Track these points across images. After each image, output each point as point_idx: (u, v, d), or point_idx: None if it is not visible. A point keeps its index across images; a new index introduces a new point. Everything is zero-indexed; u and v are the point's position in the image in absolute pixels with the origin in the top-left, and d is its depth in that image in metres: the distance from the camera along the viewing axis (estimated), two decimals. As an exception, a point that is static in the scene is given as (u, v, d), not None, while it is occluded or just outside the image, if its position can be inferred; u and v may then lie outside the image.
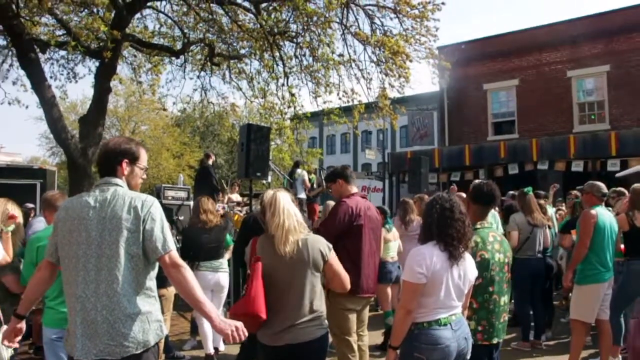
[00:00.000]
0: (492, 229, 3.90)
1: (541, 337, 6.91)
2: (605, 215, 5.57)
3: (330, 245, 3.33)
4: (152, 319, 2.72)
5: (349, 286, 3.43)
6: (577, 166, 15.12)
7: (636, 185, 6.09)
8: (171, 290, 6.01)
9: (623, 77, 17.74)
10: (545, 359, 6.38)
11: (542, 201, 7.79)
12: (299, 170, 12.48)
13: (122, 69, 13.83)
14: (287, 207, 3.20)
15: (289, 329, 3.13)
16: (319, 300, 3.25)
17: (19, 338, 3.05)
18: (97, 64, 10.27)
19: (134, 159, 2.91)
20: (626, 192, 6.70)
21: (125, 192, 2.77)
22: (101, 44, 8.54)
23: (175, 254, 2.71)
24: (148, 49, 11.72)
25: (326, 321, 3.31)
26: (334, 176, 4.99)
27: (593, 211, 5.49)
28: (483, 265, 3.56)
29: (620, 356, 5.99)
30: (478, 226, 3.78)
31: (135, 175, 2.93)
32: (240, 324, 2.72)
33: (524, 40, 19.46)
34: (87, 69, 11.52)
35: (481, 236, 3.70)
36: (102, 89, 9.85)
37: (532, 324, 6.88)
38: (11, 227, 4.30)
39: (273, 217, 3.19)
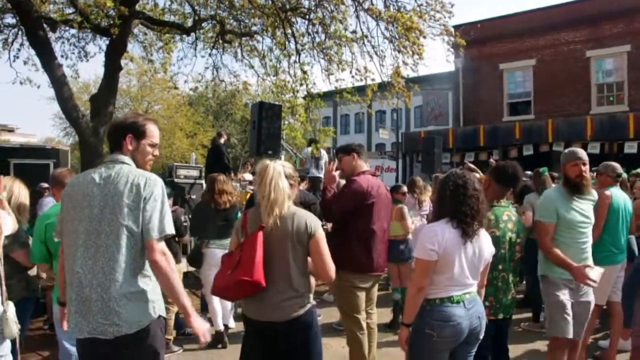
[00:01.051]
0: (508, 208, 3.95)
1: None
2: (619, 197, 5.46)
3: (319, 223, 3.17)
4: (148, 298, 2.68)
5: (333, 275, 3.19)
6: (594, 148, 14.90)
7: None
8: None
9: (643, 57, 17.39)
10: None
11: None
12: (307, 149, 12.43)
13: (134, 48, 13.79)
14: (275, 179, 3.08)
15: (270, 305, 3.05)
16: (302, 278, 3.11)
17: None
18: (107, 42, 10.19)
19: (139, 134, 2.85)
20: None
21: (130, 170, 2.74)
22: (111, 21, 8.45)
23: (163, 244, 2.69)
24: (158, 27, 11.60)
25: (310, 300, 3.17)
26: (349, 149, 4.87)
27: (608, 192, 5.38)
28: (494, 242, 3.55)
29: (630, 339, 5.93)
30: (494, 204, 3.84)
31: (142, 151, 2.87)
32: (208, 333, 2.80)
33: (542, 19, 19.11)
34: (98, 47, 11.44)
35: (495, 214, 3.78)
36: (112, 67, 9.79)
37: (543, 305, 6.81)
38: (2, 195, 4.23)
39: (259, 187, 3.10)
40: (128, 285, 2.61)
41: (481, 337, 3.23)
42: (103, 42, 11.43)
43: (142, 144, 2.86)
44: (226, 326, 6.32)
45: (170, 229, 2.71)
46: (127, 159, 2.80)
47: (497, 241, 3.62)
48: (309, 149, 12.31)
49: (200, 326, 2.77)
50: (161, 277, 2.67)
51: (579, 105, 18.32)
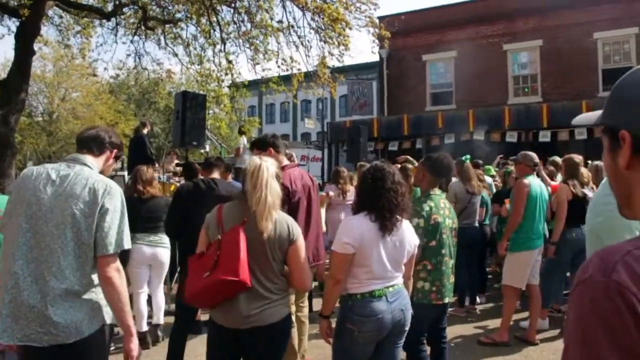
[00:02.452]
0: (441, 196, 4.09)
1: (475, 303, 7.13)
2: (536, 185, 5.72)
3: (300, 230, 3.04)
4: (92, 307, 2.53)
5: (309, 285, 3.13)
6: (511, 137, 15.52)
7: (569, 155, 6.31)
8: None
9: (554, 52, 18.27)
10: (479, 323, 6.56)
11: (479, 170, 7.96)
12: (242, 139, 12.31)
13: (49, 31, 13.10)
14: (269, 181, 2.92)
15: (251, 310, 2.87)
16: (282, 282, 2.98)
17: None
18: (17, 23, 9.60)
19: (119, 156, 2.92)
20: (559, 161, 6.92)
21: (91, 173, 2.60)
22: (21, 0, 7.95)
23: (117, 260, 2.58)
24: (76, 10, 11.08)
25: (287, 304, 3.09)
26: (265, 144, 4.49)
27: (526, 180, 5.63)
28: (436, 229, 3.78)
29: (547, 318, 6.27)
30: (431, 193, 3.98)
31: (110, 166, 2.88)
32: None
33: (462, 12, 19.69)
34: (7, 28, 10.76)
35: (435, 202, 3.91)
36: (24, 51, 9.24)
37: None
38: None
39: (254, 190, 2.88)
40: (70, 294, 2.45)
41: (406, 329, 3.25)
42: (13, 23, 10.78)
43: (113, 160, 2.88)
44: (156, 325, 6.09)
45: (128, 243, 2.61)
46: (90, 161, 2.67)
47: (439, 227, 3.81)
48: (243, 138, 12.18)
49: (135, 350, 2.64)
50: (112, 294, 2.53)
51: (497, 96, 19.02)
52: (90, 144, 2.74)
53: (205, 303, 3.07)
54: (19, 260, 2.44)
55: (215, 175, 5.08)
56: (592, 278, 0.85)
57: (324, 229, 6.91)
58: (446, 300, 3.94)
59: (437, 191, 4.03)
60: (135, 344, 2.63)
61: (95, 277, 2.56)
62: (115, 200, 2.56)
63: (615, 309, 0.80)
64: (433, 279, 3.81)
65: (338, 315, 3.22)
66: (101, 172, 2.75)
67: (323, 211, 7.07)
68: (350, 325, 3.09)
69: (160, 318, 6.04)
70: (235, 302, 2.86)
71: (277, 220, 2.93)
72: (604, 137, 1.03)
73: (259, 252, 2.86)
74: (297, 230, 2.99)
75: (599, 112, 1.07)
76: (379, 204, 3.11)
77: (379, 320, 3.07)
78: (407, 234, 3.24)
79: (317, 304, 6.94)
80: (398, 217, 3.14)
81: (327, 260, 5.12)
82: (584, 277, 0.86)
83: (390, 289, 3.14)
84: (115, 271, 2.53)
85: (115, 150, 2.83)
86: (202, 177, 5.11)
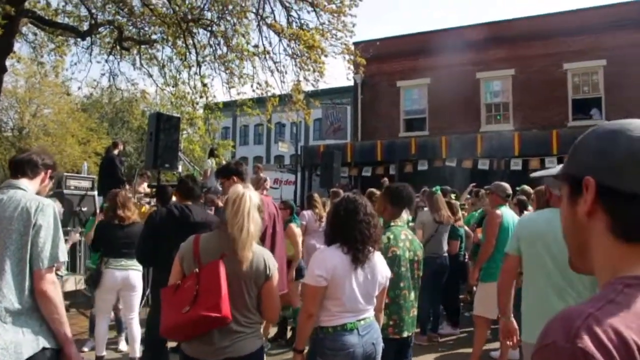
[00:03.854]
0: (404, 227, 4.04)
1: (437, 331, 7.12)
2: (508, 215, 5.78)
3: (276, 264, 3.03)
4: (32, 329, 2.52)
5: (277, 317, 3.16)
6: (484, 164, 15.69)
7: (540, 187, 6.38)
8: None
9: (525, 81, 18.65)
10: (450, 352, 6.56)
11: (452, 198, 8.03)
12: (209, 161, 12.22)
13: (22, 47, 12.95)
14: (252, 212, 2.86)
15: (226, 341, 2.83)
16: (256, 314, 2.95)
17: None
18: (-11, 39, 9.46)
19: (53, 176, 3.01)
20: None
21: (24, 195, 2.65)
22: (-6, 17, 7.82)
23: (52, 273, 2.60)
24: (51, 28, 10.96)
25: (261, 335, 3.07)
26: (228, 172, 4.46)
27: (498, 211, 5.68)
28: (394, 261, 3.65)
29: (518, 348, 6.27)
30: (392, 224, 3.89)
31: (46, 185, 2.94)
32: None
33: (436, 40, 19.99)
34: (-22, 43, 10.56)
35: (394, 233, 3.82)
36: (-4, 68, 9.12)
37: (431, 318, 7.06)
38: None
39: (235, 218, 2.81)
40: (10, 313, 2.45)
41: None
42: (-16, 39, 10.62)
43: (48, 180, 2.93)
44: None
45: (63, 256, 2.63)
46: (25, 184, 2.73)
47: (397, 260, 3.69)
48: (211, 160, 12.10)
49: (75, 356, 2.64)
50: (47, 307, 2.55)
51: (469, 123, 19.27)
52: (24, 167, 2.82)
53: (181, 337, 2.99)
54: None
55: (189, 201, 4.90)
56: (556, 344, 0.81)
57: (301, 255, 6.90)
58: (405, 334, 3.81)
59: (398, 222, 3.98)
60: (75, 351, 2.64)
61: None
62: (47, 217, 2.60)
63: None
64: (390, 312, 3.69)
65: (309, 348, 3.19)
66: (38, 193, 2.84)
67: (300, 240, 7.04)
68: (321, 359, 3.06)
69: (136, 350, 5.85)
70: (208, 335, 2.82)
71: (254, 253, 2.89)
72: (564, 186, 1.04)
73: (234, 287, 2.82)
74: (273, 265, 2.97)
75: (559, 167, 1.09)
76: (351, 235, 3.09)
77: (350, 354, 3.04)
78: (379, 266, 3.23)
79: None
80: (370, 248, 3.13)
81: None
82: (545, 342, 0.83)
83: (362, 322, 3.12)
84: (50, 284, 2.56)
85: (49, 171, 2.91)
86: (175, 203, 4.96)
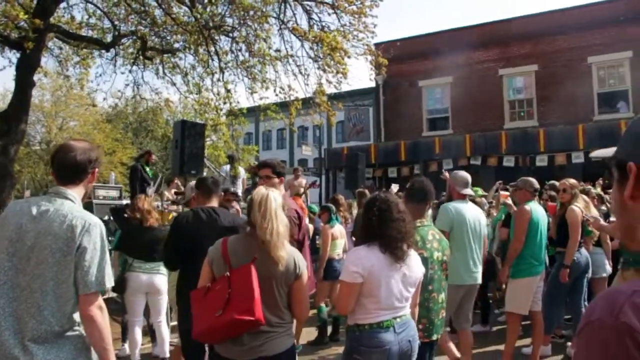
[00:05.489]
0: (431, 227, 3.97)
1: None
2: (538, 211, 5.72)
3: (305, 263, 3.06)
4: (73, 348, 2.46)
5: (307, 315, 3.19)
6: (509, 162, 15.57)
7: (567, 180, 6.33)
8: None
9: (549, 77, 18.42)
10: (481, 350, 6.50)
11: (477, 196, 7.95)
12: (228, 166, 12.30)
13: (48, 62, 13.21)
14: (278, 211, 2.91)
15: (260, 341, 2.86)
16: (287, 311, 2.99)
17: None
18: (18, 55, 9.67)
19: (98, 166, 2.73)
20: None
21: (72, 208, 2.50)
22: (22, 33, 7.98)
23: (100, 297, 2.49)
24: (75, 41, 11.15)
25: (292, 332, 3.11)
26: (278, 172, 4.46)
27: (527, 207, 5.62)
28: (422, 264, 3.55)
29: (550, 344, 6.22)
30: (418, 224, 3.81)
31: (92, 184, 2.77)
32: None
33: (457, 38, 19.89)
34: (8, 60, 10.73)
35: (421, 235, 3.76)
36: (24, 82, 9.27)
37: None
38: None
39: (264, 221, 2.85)
40: (51, 335, 2.38)
41: (413, 359, 3.23)
42: (13, 55, 10.85)
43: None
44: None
45: (110, 282, 2.52)
46: (72, 194, 2.57)
47: (425, 262, 3.61)
48: (228, 166, 12.19)
49: None
50: (94, 332, 2.46)
51: (493, 120, 19.14)
52: (71, 175, 2.62)
53: (214, 340, 3.00)
54: (1, 298, 2.38)
55: (214, 203, 4.76)
56: (600, 320, 0.85)
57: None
58: (434, 337, 3.81)
59: (425, 221, 3.91)
60: None
61: (77, 317, 2.50)
62: (94, 238, 2.47)
63: (625, 351, 0.81)
64: (419, 316, 3.63)
65: (345, 345, 3.22)
66: (85, 193, 2.69)
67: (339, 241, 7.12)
68: (357, 356, 3.08)
69: (165, 351, 5.92)
70: (239, 336, 2.85)
71: (287, 251, 2.93)
72: (614, 170, 1.05)
73: (266, 287, 2.85)
74: (302, 264, 3.00)
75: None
76: (388, 234, 3.11)
77: (386, 352, 3.05)
78: (414, 263, 3.24)
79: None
80: (406, 246, 3.15)
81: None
82: (591, 319, 0.87)
83: (398, 319, 3.13)
84: (98, 309, 2.45)
85: (95, 170, 2.69)
86: (201, 207, 4.73)
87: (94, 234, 2.47)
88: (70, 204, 2.53)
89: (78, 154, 2.60)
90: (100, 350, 2.48)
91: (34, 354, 2.33)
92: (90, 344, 2.52)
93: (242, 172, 12.21)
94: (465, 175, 5.30)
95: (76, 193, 2.61)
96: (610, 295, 0.88)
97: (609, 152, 1.16)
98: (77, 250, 2.41)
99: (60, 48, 12.02)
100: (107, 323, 2.52)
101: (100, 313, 2.46)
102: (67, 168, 2.61)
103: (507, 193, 7.81)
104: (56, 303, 2.40)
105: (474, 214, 5.25)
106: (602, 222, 5.25)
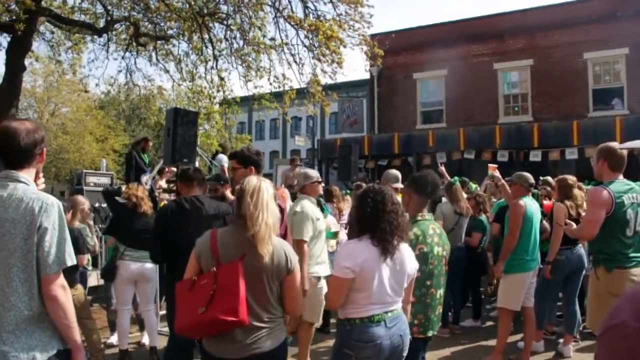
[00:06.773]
0: (432, 221, 3.85)
1: (458, 323, 7.06)
2: (532, 206, 5.69)
3: (297, 257, 2.97)
4: (42, 334, 2.42)
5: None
6: (503, 156, 15.55)
7: (563, 176, 6.30)
8: (80, 290, 5.50)
9: (544, 71, 18.37)
10: (472, 345, 6.49)
11: (470, 188, 7.97)
12: (219, 156, 12.20)
13: (40, 46, 13.06)
14: (270, 203, 2.83)
15: (249, 339, 2.77)
16: (278, 308, 2.89)
17: None
18: (8, 39, 9.52)
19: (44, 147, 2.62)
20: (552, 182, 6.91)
21: (26, 191, 2.42)
22: (13, 17, 7.84)
23: (61, 277, 2.44)
24: (67, 26, 11.02)
25: (284, 328, 2.99)
26: (247, 161, 4.49)
27: (521, 202, 5.58)
28: (422, 259, 3.50)
29: (542, 340, 6.21)
30: (419, 218, 3.74)
31: (42, 162, 2.66)
32: None
33: (453, 31, 19.80)
34: (-3, 43, 10.60)
35: (421, 229, 3.66)
36: (15, 66, 9.16)
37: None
38: None
39: (255, 211, 2.76)
40: (20, 321, 2.35)
41: (404, 354, 3.17)
42: (4, 39, 10.70)
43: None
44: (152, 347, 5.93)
45: (71, 259, 2.46)
46: (25, 177, 2.48)
47: (425, 257, 3.55)
48: (223, 155, 12.09)
49: None
50: (56, 312, 2.42)
51: (487, 114, 19.11)
52: (20, 159, 2.50)
53: (197, 336, 2.93)
54: None
55: (197, 191, 4.72)
56: (626, 324, 0.81)
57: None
58: (429, 333, 3.73)
59: (426, 215, 3.80)
60: (83, 357, 2.55)
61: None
62: (52, 217, 2.40)
63: None
64: (416, 311, 3.57)
65: (336, 339, 3.17)
66: (37, 172, 2.62)
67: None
68: (348, 351, 3.02)
69: (154, 340, 5.90)
70: (230, 333, 2.76)
71: (275, 247, 2.83)
72: None
73: (256, 285, 2.77)
74: (294, 258, 2.91)
75: None
76: (380, 227, 3.03)
77: (377, 346, 3.00)
78: (407, 257, 3.16)
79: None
80: (398, 239, 3.07)
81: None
82: (615, 322, 0.82)
83: (389, 314, 3.07)
84: (60, 288, 2.41)
85: (44, 149, 2.59)
86: (184, 196, 4.70)
87: (52, 213, 2.41)
88: (23, 186, 2.45)
89: (22, 138, 2.48)
90: (64, 328, 2.45)
91: (4, 341, 2.31)
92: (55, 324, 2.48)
93: (224, 159, 12.07)
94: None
95: (28, 175, 2.52)
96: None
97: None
98: (37, 232, 2.36)
99: (52, 32, 11.88)
100: (71, 302, 2.48)
101: (63, 292, 2.43)
102: (13, 154, 2.50)
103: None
104: (22, 287, 2.36)
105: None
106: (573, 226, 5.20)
